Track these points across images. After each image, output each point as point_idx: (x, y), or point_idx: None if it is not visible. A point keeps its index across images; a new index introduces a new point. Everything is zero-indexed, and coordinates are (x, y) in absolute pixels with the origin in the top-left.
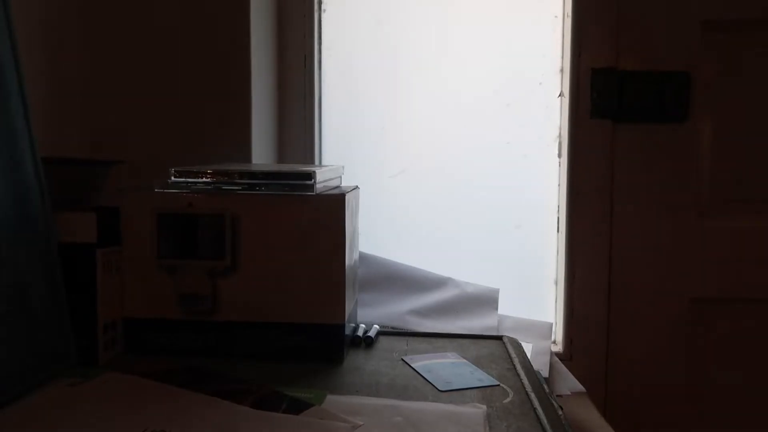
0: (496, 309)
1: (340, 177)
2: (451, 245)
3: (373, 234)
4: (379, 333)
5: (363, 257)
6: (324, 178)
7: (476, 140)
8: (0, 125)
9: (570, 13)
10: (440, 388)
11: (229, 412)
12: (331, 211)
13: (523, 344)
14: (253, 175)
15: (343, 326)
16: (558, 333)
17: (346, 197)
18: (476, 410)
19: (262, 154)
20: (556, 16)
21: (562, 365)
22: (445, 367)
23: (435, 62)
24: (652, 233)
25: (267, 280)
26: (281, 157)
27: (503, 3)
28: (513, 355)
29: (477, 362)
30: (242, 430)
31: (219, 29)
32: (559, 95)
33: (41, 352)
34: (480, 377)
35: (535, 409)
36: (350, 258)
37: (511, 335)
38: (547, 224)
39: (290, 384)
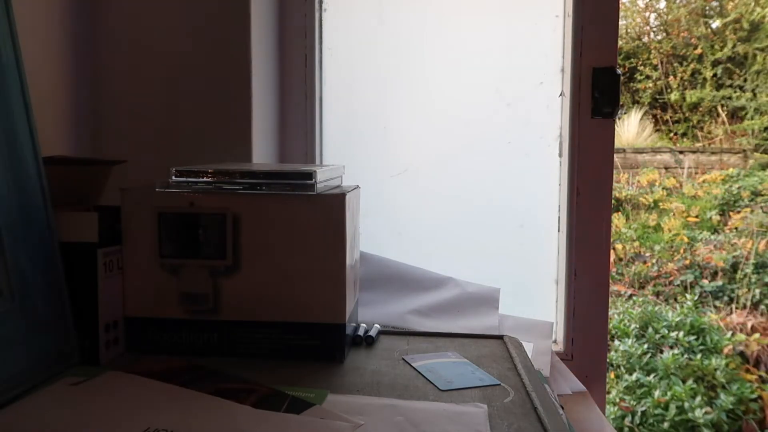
0: (497, 308)
1: (341, 177)
2: (452, 245)
3: (374, 234)
4: (380, 332)
5: (364, 257)
6: (325, 177)
7: (477, 140)
8: (1, 125)
9: (571, 13)
10: (441, 388)
11: (230, 412)
12: (331, 210)
13: (524, 344)
14: (254, 174)
15: (344, 326)
16: (559, 332)
17: (347, 197)
18: (477, 410)
19: (262, 154)
20: (557, 16)
21: (563, 365)
22: (446, 366)
23: (436, 61)
24: None
25: (268, 279)
26: (282, 156)
27: (504, 3)
28: (514, 354)
29: (478, 362)
30: (244, 430)
31: (219, 29)
32: (560, 95)
33: (43, 352)
34: (481, 377)
35: (536, 409)
36: (351, 257)
37: (512, 335)
38: (547, 224)
39: (291, 383)
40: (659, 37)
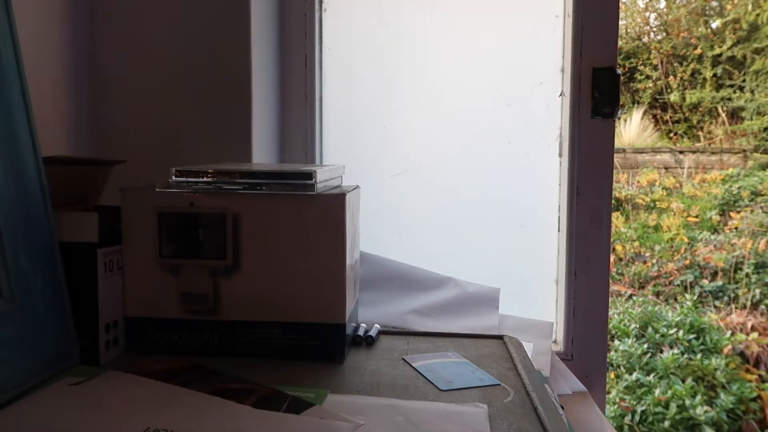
0: (497, 308)
1: (341, 177)
2: (452, 245)
3: (374, 234)
4: (380, 332)
5: (364, 257)
6: (325, 177)
7: (477, 140)
8: (1, 125)
9: (571, 13)
10: (441, 388)
11: (230, 412)
12: (331, 210)
13: (524, 344)
14: (254, 174)
15: (344, 326)
16: (559, 332)
17: (347, 197)
18: (477, 410)
19: (262, 154)
20: (557, 16)
21: (563, 365)
22: (446, 366)
23: (436, 62)
24: None
25: (268, 279)
26: (282, 156)
27: (504, 3)
28: (514, 354)
29: (478, 362)
30: (244, 430)
31: (220, 29)
32: (560, 95)
33: (43, 352)
34: (481, 377)
35: (536, 409)
36: (351, 257)
37: (512, 335)
38: (547, 223)
39: (291, 383)
40: (659, 37)
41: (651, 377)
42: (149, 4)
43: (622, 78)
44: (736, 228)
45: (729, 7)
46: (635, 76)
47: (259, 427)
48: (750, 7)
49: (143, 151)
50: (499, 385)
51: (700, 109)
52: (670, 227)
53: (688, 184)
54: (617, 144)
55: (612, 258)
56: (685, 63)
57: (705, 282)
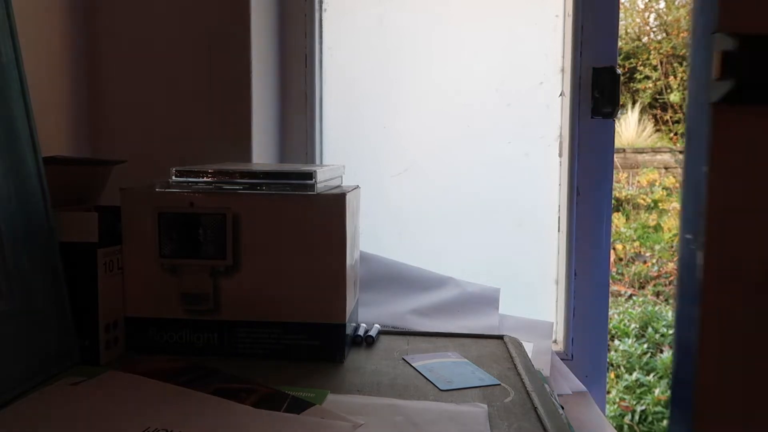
0: (497, 308)
1: (341, 176)
2: (452, 244)
3: (375, 233)
4: (380, 332)
5: (364, 257)
6: (325, 177)
7: (477, 139)
8: (2, 126)
9: (571, 13)
10: (441, 388)
11: (230, 412)
12: (331, 210)
13: (524, 344)
14: (254, 174)
15: (344, 326)
16: (559, 332)
17: (347, 197)
18: (477, 409)
19: (262, 154)
20: (557, 16)
21: (563, 365)
22: (446, 366)
23: (436, 61)
24: None
25: (268, 279)
26: (282, 156)
27: (504, 3)
28: (514, 354)
29: (478, 361)
30: (243, 430)
31: (219, 29)
32: (560, 94)
33: (43, 352)
34: (481, 376)
35: (536, 409)
36: (351, 257)
37: (512, 334)
38: (547, 223)
39: (291, 383)
40: (659, 38)
41: (651, 377)
42: (149, 4)
43: (622, 78)
44: None
45: None
46: (635, 76)
47: (259, 427)
48: None
49: (143, 151)
50: (499, 385)
51: None
52: (670, 228)
53: None
54: (617, 144)
55: (612, 258)
56: (685, 63)
57: None
